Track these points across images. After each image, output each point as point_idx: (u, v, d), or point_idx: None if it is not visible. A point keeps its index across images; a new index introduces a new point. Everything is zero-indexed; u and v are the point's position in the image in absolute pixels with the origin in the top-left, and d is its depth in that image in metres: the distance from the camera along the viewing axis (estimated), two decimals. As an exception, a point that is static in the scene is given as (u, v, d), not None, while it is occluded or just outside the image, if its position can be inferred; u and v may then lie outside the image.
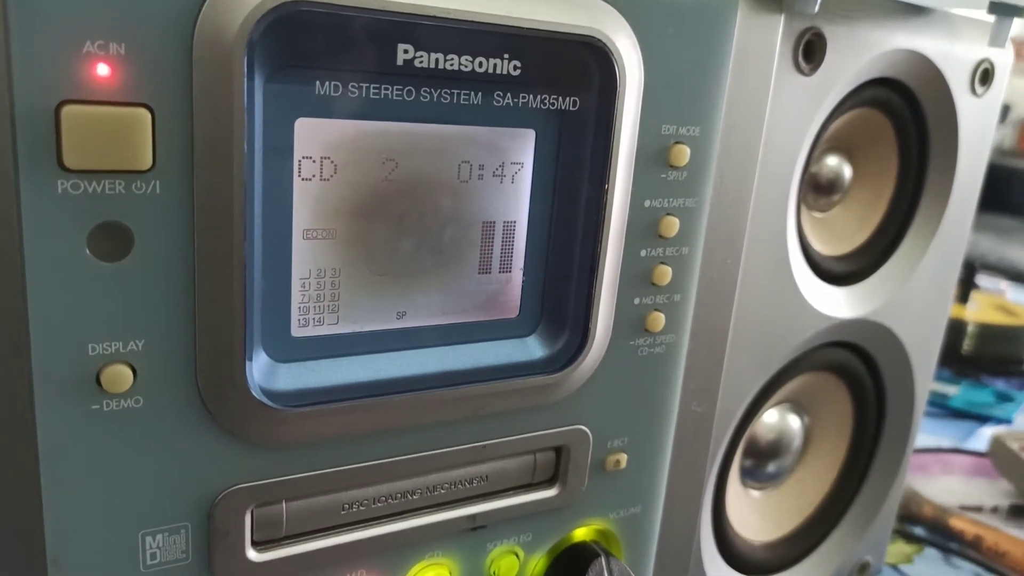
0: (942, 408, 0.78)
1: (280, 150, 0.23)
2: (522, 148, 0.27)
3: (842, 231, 0.41)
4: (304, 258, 0.25)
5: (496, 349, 0.28)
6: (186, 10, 0.20)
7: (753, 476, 0.44)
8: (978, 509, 0.60)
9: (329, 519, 0.27)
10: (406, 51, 0.23)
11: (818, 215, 0.41)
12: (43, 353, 0.21)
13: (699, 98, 0.29)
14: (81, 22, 0.19)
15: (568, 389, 0.29)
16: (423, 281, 0.27)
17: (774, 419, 0.44)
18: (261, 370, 0.24)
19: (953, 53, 0.38)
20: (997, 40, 0.36)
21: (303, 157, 0.24)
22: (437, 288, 0.27)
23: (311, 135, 0.24)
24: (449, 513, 0.29)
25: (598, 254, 0.28)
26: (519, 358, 0.29)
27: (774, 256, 0.35)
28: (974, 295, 0.96)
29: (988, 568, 0.54)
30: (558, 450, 0.31)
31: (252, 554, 0.25)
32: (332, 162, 0.24)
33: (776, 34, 0.31)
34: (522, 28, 0.24)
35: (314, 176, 0.24)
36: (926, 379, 0.46)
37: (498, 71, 0.25)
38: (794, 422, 0.45)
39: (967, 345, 0.88)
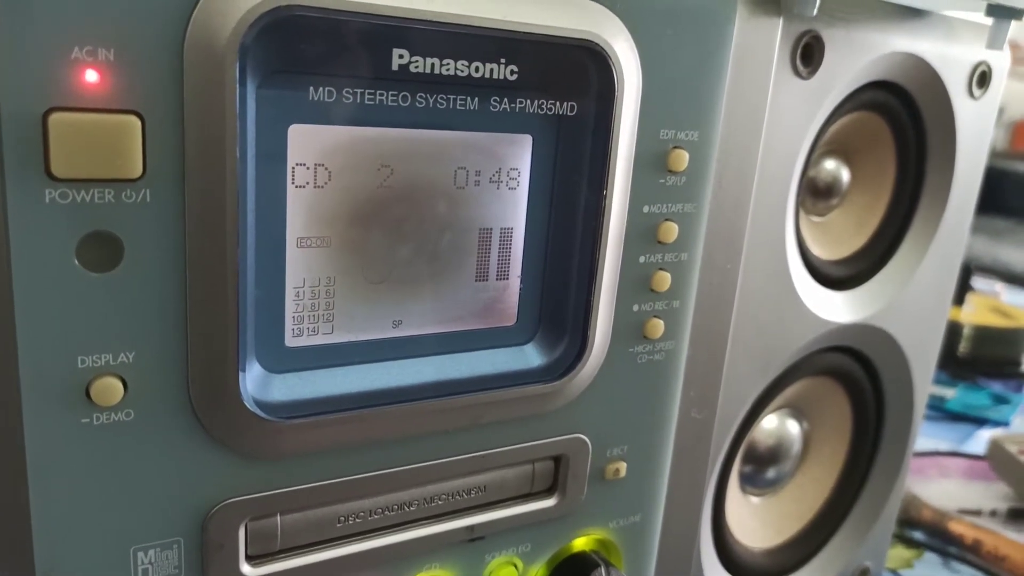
0: (939, 411, 0.78)
1: (273, 157, 0.23)
2: (519, 154, 0.27)
3: (840, 235, 0.41)
4: (298, 267, 0.24)
5: (493, 357, 0.28)
6: (176, 15, 0.20)
7: (753, 482, 0.44)
8: (977, 513, 0.60)
9: (325, 532, 0.26)
10: (401, 56, 0.23)
11: (816, 219, 0.41)
12: (32, 366, 0.20)
13: (697, 102, 0.28)
14: (69, 28, 0.19)
15: (567, 397, 0.29)
16: (419, 289, 0.27)
17: (773, 425, 0.44)
18: (255, 381, 0.24)
19: (951, 56, 0.38)
20: (995, 43, 0.35)
21: (297, 164, 0.23)
22: (433, 296, 0.27)
23: (305, 141, 0.23)
24: (447, 524, 0.29)
25: (596, 260, 0.28)
26: (517, 366, 0.28)
27: (773, 261, 0.35)
28: (969, 297, 0.96)
29: (988, 572, 0.54)
30: (557, 459, 0.30)
31: (246, 568, 0.25)
32: (326, 169, 0.24)
33: (774, 37, 0.31)
34: (519, 32, 0.24)
35: (308, 183, 0.24)
36: (925, 383, 0.45)
37: (495, 76, 0.24)
38: (793, 427, 0.44)
39: (963, 347, 0.88)
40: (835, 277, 0.40)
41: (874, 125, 0.39)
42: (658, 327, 0.30)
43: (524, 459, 0.29)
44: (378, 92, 0.23)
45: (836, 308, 0.39)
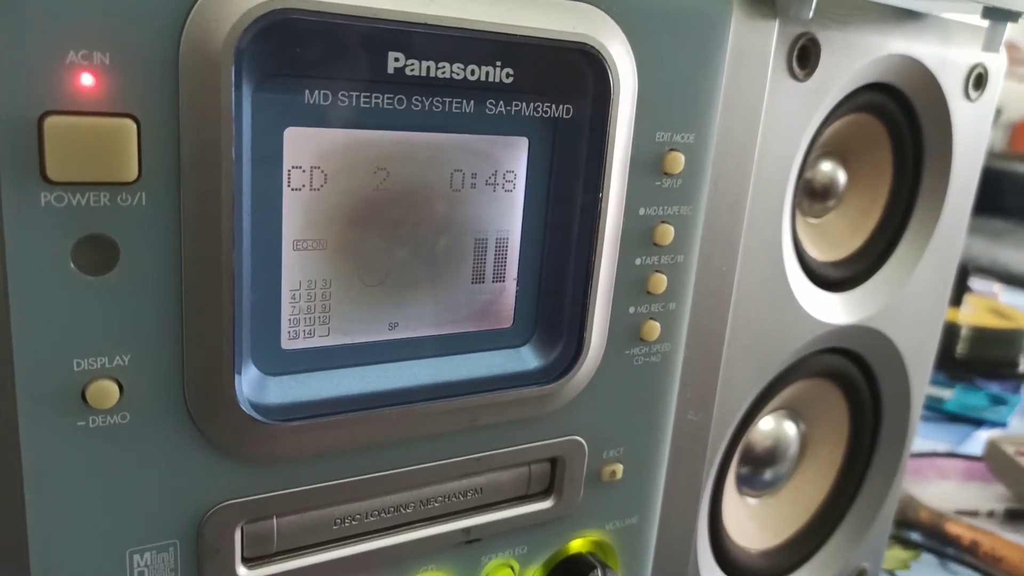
0: (937, 412, 0.78)
1: (269, 160, 0.23)
2: (515, 156, 0.27)
3: (837, 237, 0.41)
4: (294, 269, 0.24)
5: (490, 360, 0.28)
6: (172, 18, 0.20)
7: (750, 484, 0.44)
8: (974, 514, 0.60)
9: (321, 534, 0.26)
10: (397, 59, 0.23)
11: (813, 221, 0.41)
12: (27, 368, 0.20)
13: (694, 105, 0.28)
14: (64, 31, 0.19)
15: (563, 400, 0.29)
16: (415, 291, 0.27)
17: (770, 426, 0.44)
18: (250, 384, 0.24)
19: (947, 58, 0.38)
20: (991, 45, 0.35)
21: (293, 167, 0.23)
22: (430, 298, 0.27)
23: (301, 144, 0.23)
24: (443, 527, 0.29)
25: (592, 263, 0.28)
26: (513, 369, 0.28)
27: (769, 262, 0.35)
28: (967, 298, 0.96)
29: (985, 573, 0.54)
30: (553, 461, 0.30)
31: (242, 571, 0.25)
32: (322, 172, 0.24)
33: (771, 40, 0.31)
34: (514, 35, 0.24)
35: (304, 186, 0.24)
36: (922, 384, 0.46)
37: (490, 79, 0.24)
38: (790, 429, 0.44)
39: (961, 348, 0.88)
40: (832, 279, 0.40)
41: (871, 127, 0.39)
42: (654, 329, 0.30)
43: (520, 461, 0.30)
44: (374, 95, 0.23)
45: (833, 310, 0.39)
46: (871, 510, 0.46)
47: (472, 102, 0.25)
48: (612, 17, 0.26)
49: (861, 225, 0.41)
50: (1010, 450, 0.64)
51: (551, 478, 0.31)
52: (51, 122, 0.19)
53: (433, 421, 0.27)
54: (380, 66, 0.23)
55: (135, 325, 0.21)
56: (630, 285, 0.29)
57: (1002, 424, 0.78)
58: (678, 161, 0.28)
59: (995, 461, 0.65)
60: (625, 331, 0.30)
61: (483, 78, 0.24)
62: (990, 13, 0.34)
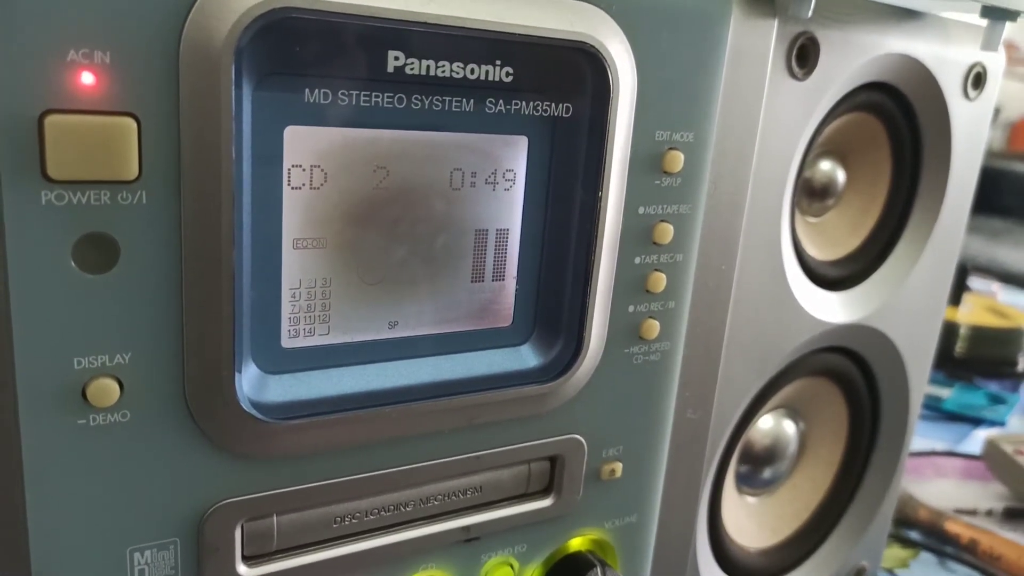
0: (935, 411, 0.78)
1: (269, 158, 0.23)
2: (515, 155, 0.27)
3: (836, 236, 0.41)
4: (294, 268, 0.24)
5: (489, 358, 0.28)
6: (172, 17, 0.20)
7: (749, 482, 0.44)
8: (973, 512, 0.60)
9: (321, 532, 0.26)
10: (397, 58, 0.23)
11: (812, 220, 0.41)
12: (28, 367, 0.20)
13: (693, 103, 0.28)
14: (65, 30, 0.19)
15: (562, 398, 0.29)
16: (415, 290, 0.27)
17: (769, 425, 0.44)
18: (251, 382, 0.24)
19: (946, 57, 0.38)
20: (990, 44, 0.36)
21: (293, 165, 0.23)
22: (429, 297, 0.27)
23: (301, 143, 0.23)
24: (443, 525, 0.29)
25: (592, 262, 0.28)
26: (513, 367, 0.28)
27: (768, 261, 0.35)
28: (966, 297, 0.96)
29: (984, 572, 0.54)
30: (552, 460, 0.30)
31: (242, 569, 0.25)
32: (322, 170, 0.24)
33: (770, 39, 0.31)
34: (514, 34, 0.24)
35: (304, 184, 0.24)
36: (921, 383, 0.46)
37: (490, 78, 0.24)
38: (789, 428, 0.44)
39: (960, 347, 0.88)
40: (831, 278, 0.40)
41: (870, 126, 0.39)
42: (654, 328, 0.30)
43: (520, 459, 0.30)
44: (374, 94, 0.23)
45: (831, 308, 0.39)
46: (870, 509, 0.47)
47: (472, 101, 0.25)
48: (611, 16, 0.26)
49: (860, 224, 0.42)
50: (1009, 449, 0.64)
51: (550, 476, 0.31)
52: (52, 120, 0.19)
53: (433, 419, 0.27)
54: (380, 65, 0.23)
55: (135, 323, 0.21)
56: (629, 284, 0.29)
57: (1001, 423, 0.78)
58: (677, 160, 0.28)
59: (994, 460, 0.65)
60: (624, 330, 0.30)
61: (483, 77, 0.24)
62: (989, 12, 0.34)
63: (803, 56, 0.33)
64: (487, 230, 0.27)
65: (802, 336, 0.38)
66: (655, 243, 0.29)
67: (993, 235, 1.48)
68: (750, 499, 0.44)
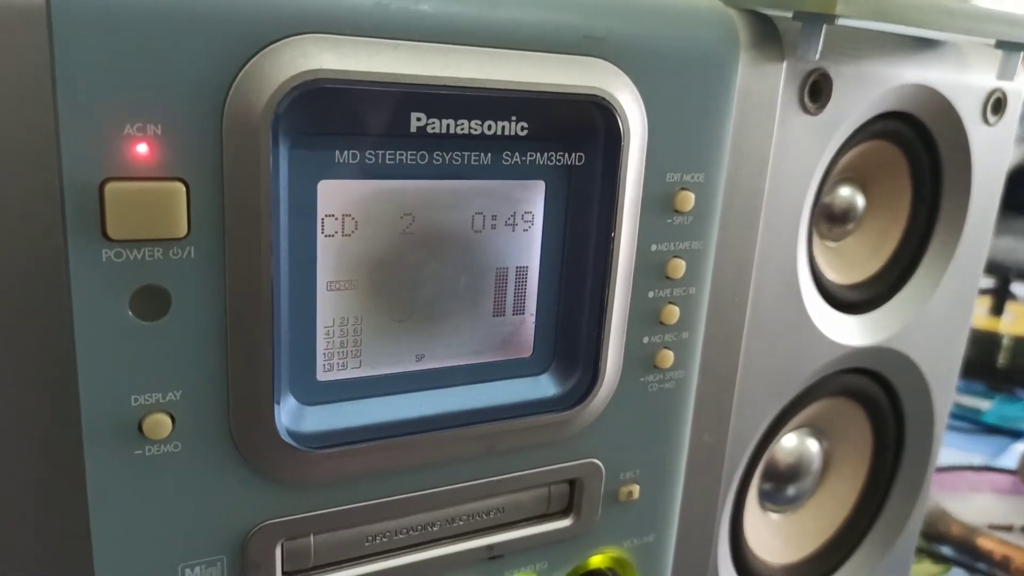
0: (974, 423, 0.77)
1: (304, 210, 0.25)
2: (532, 198, 0.29)
3: (856, 259, 0.42)
4: (328, 308, 0.26)
5: (511, 387, 0.30)
6: (217, 91, 0.22)
7: (772, 499, 0.45)
8: (1008, 528, 0.60)
9: (354, 551, 0.28)
10: (419, 119, 0.25)
11: (831, 244, 0.41)
12: (91, 404, 0.23)
13: (702, 145, 0.30)
14: (122, 107, 0.21)
15: (580, 424, 0.31)
16: (441, 325, 0.29)
17: (792, 443, 0.44)
18: (289, 413, 0.26)
19: (963, 84, 0.38)
20: (1005, 74, 0.36)
21: (326, 215, 0.25)
22: (454, 331, 0.29)
23: (333, 195, 0.25)
24: (468, 544, 0.30)
25: (607, 296, 0.29)
26: (533, 396, 0.30)
27: (785, 288, 0.36)
28: (1009, 306, 0.95)
29: (1016, 589, 0.54)
30: (572, 482, 0.32)
31: (282, 584, 0.27)
32: (353, 219, 0.26)
33: (779, 79, 0.32)
34: (528, 91, 0.26)
35: (336, 232, 0.26)
36: (946, 402, 0.46)
37: (506, 132, 0.26)
38: (813, 446, 0.45)
39: (1002, 358, 0.87)
40: (851, 301, 0.41)
41: (888, 153, 0.40)
42: (668, 357, 0.32)
43: (540, 482, 0.31)
44: (399, 151, 0.25)
45: (851, 332, 0.40)
46: (896, 525, 0.47)
47: (490, 154, 0.27)
48: (621, 68, 0.27)
49: (880, 247, 0.42)
50: (1046, 464, 0.64)
51: (570, 498, 0.32)
52: (111, 187, 0.21)
53: (458, 446, 0.29)
54: (403, 125, 0.25)
55: (185, 364, 0.24)
56: (644, 316, 0.31)
57: (1042, 436, 0.77)
58: (688, 199, 0.30)
59: (1031, 474, 0.65)
60: (639, 360, 0.31)
61: (499, 132, 0.26)
62: (1003, 44, 0.35)
63: (816, 92, 0.33)
64: (507, 268, 0.29)
65: (821, 359, 0.39)
66: (668, 277, 0.31)
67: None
68: (774, 516, 0.45)
